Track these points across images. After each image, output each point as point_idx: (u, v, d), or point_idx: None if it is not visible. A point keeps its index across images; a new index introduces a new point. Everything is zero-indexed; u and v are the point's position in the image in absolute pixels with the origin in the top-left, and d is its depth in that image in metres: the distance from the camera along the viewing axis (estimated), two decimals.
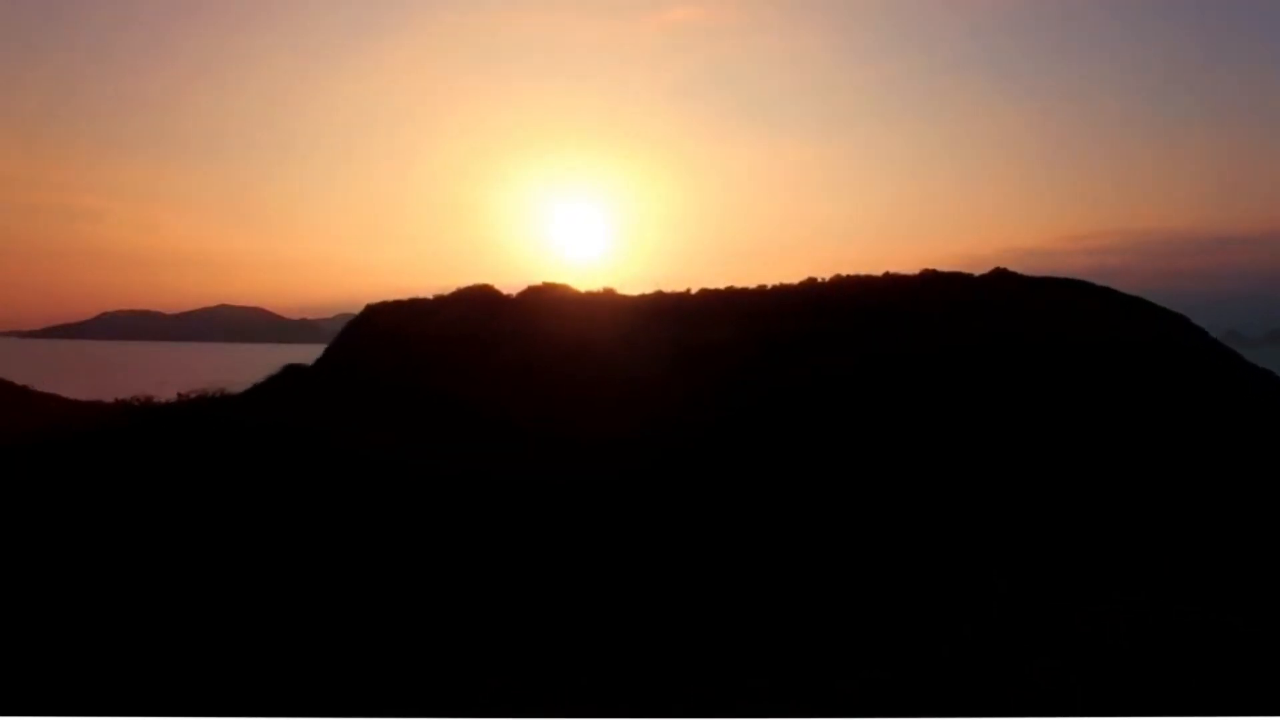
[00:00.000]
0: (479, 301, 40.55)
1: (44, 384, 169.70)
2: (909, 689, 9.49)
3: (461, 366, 31.32)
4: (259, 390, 33.56)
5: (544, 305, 39.29)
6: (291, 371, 35.61)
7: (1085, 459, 22.77)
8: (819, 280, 41.35)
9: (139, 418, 29.69)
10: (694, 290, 40.58)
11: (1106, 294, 41.45)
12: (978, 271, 40.59)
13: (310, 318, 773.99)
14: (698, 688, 10.30)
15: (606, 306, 39.20)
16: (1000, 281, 41.82)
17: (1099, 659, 9.93)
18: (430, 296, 42.51)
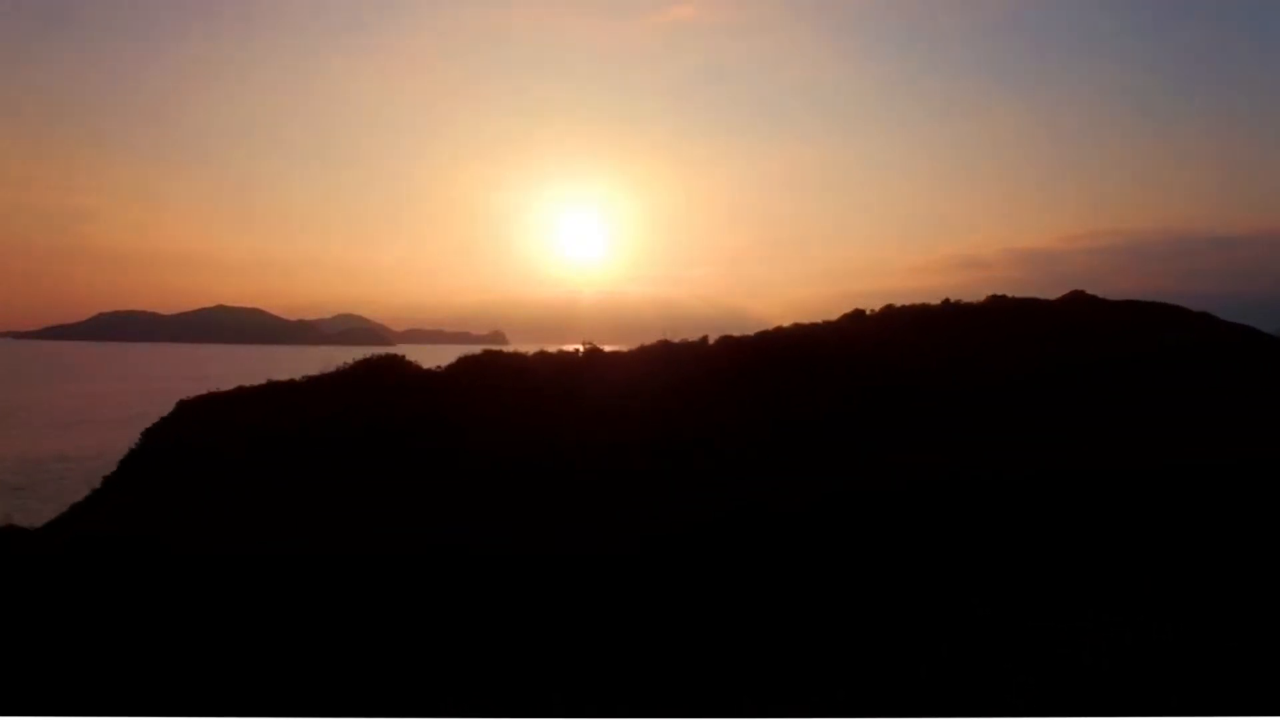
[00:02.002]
0: (372, 387, 26.37)
1: (39, 386, 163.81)
2: (886, 709, 9.63)
3: (316, 514, 21.21)
4: None
5: (476, 395, 25.67)
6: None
7: (1064, 474, 20.70)
8: (866, 313, 34.45)
9: None
10: (712, 339, 30.28)
11: (1206, 320, 35.52)
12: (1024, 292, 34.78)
13: (308, 318, 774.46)
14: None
15: (578, 392, 25.94)
16: (1079, 308, 35.54)
17: (1077, 678, 10.03)
18: (299, 378, 28.65)
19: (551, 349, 29.36)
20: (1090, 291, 36.43)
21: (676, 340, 30.23)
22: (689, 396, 25.47)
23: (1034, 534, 17.43)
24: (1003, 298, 35.37)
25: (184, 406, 27.84)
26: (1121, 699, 9.39)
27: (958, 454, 22.36)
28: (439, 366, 28.82)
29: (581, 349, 28.88)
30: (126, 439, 30.19)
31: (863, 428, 23.91)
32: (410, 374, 28.28)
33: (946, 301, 34.89)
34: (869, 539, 18.67)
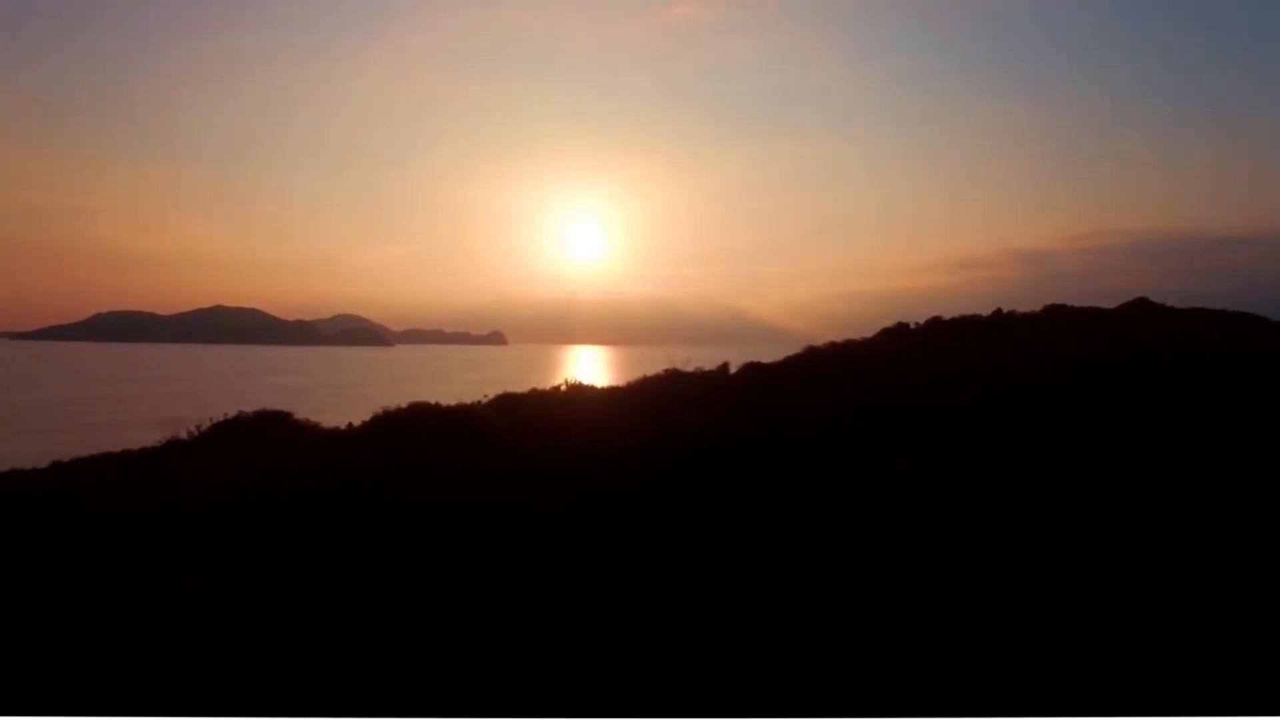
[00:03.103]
0: (243, 461, 17.96)
1: (32, 389, 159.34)
2: (893, 715, 9.67)
3: None
4: None
5: (392, 476, 17.19)
6: None
7: (1073, 480, 19.39)
8: (911, 327, 30.69)
9: None
10: (733, 367, 23.63)
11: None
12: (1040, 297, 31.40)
13: (307, 319, 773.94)
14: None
15: (562, 448, 18.12)
16: (1147, 319, 32.10)
17: (1083, 686, 10.04)
18: (136, 449, 19.78)
19: (533, 389, 22.78)
20: (1089, 292, 33.55)
21: (690, 369, 23.52)
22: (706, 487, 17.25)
23: (1039, 538, 16.59)
24: (1061, 306, 32.03)
25: None
26: (1127, 707, 9.41)
27: (974, 467, 19.36)
28: (350, 424, 20.23)
29: (564, 385, 22.46)
30: (119, 445, 25.90)
31: (914, 458, 20.52)
32: (300, 440, 19.39)
33: (998, 311, 31.47)
34: (882, 560, 16.43)
